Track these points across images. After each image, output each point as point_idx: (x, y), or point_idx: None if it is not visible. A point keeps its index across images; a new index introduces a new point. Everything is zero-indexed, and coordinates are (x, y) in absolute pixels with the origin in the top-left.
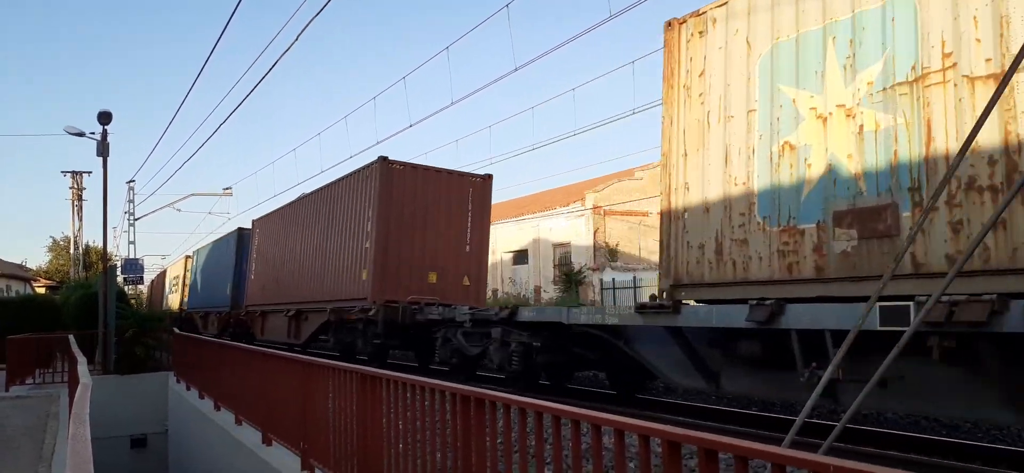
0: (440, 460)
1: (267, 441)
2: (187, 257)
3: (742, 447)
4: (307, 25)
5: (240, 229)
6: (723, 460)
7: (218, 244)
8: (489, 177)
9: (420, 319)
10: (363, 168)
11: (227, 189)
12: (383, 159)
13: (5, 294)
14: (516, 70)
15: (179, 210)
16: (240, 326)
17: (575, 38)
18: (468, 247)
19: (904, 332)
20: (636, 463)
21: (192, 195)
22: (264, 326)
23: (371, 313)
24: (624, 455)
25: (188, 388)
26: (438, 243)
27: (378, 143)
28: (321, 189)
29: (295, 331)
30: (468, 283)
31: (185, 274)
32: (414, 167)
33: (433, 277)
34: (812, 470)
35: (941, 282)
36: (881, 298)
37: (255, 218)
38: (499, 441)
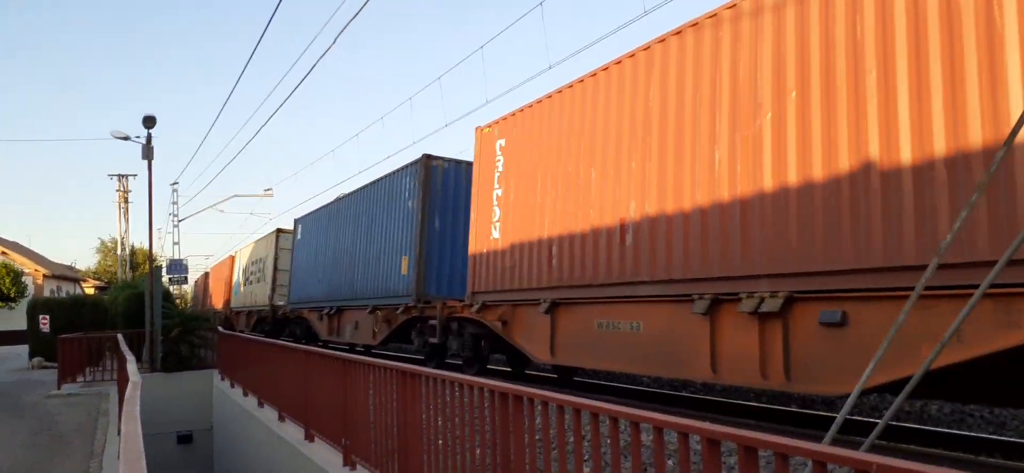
0: (479, 456)
1: (309, 437)
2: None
3: (783, 444)
4: (345, 27)
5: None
6: (763, 457)
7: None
8: None
9: None
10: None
11: (268, 190)
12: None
13: (57, 295)
14: (549, 69)
15: (222, 211)
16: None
17: (608, 36)
18: None
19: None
20: (675, 460)
21: (234, 196)
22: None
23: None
24: (663, 452)
25: (232, 386)
26: None
27: (414, 143)
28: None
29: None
30: None
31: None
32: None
33: None
34: (854, 468)
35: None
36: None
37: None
38: (537, 437)
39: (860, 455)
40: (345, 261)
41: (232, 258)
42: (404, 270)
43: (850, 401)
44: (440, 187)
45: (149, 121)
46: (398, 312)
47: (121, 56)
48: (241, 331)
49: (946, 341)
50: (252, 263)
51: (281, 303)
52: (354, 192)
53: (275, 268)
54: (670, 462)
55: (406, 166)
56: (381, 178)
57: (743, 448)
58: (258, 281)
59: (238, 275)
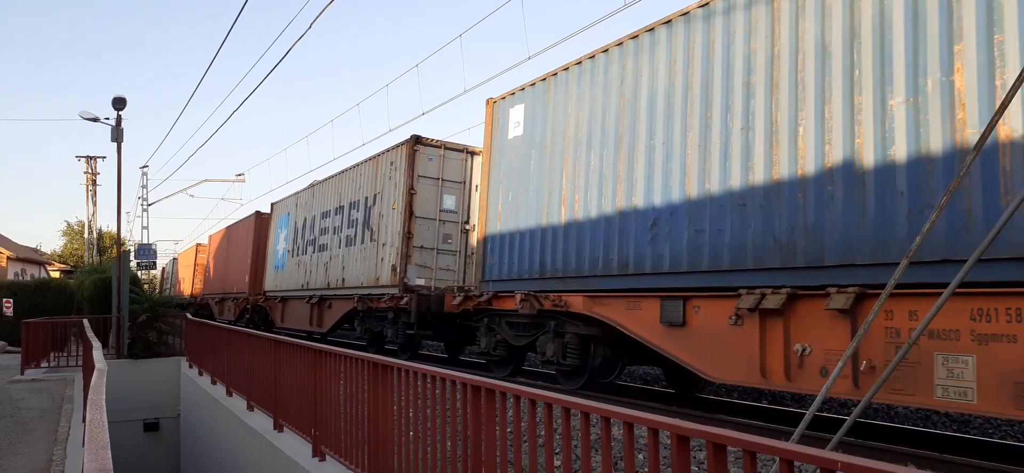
0: (450, 449)
1: (278, 428)
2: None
3: (750, 442)
4: (322, 12)
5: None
6: (732, 454)
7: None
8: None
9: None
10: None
11: (240, 175)
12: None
13: (21, 278)
14: (529, 59)
15: (192, 196)
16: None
17: (588, 27)
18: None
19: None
20: (644, 454)
21: (205, 181)
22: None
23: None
24: (633, 446)
25: (200, 373)
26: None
27: (390, 131)
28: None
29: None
30: None
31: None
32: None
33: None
34: (821, 466)
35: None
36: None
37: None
38: (509, 431)
39: (826, 454)
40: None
41: (200, 245)
42: None
43: (818, 399)
44: None
45: (119, 102)
46: None
47: (91, 35)
48: (325, 337)
49: (914, 341)
50: (332, 209)
51: (444, 281)
52: None
53: (410, 215)
54: (640, 456)
55: None
56: None
57: (712, 445)
58: (359, 240)
59: (282, 238)
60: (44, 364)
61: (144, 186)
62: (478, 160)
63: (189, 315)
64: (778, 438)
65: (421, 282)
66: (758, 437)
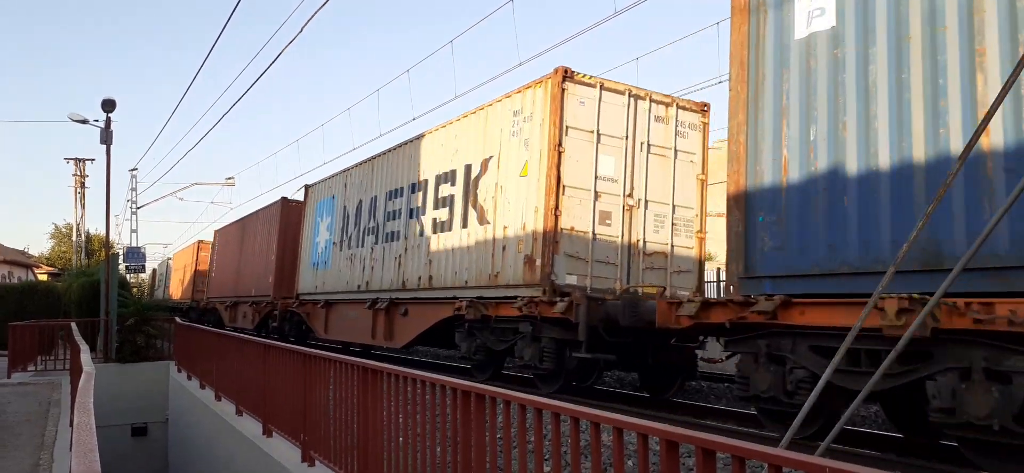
0: (440, 454)
1: (267, 432)
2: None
3: (739, 448)
4: (312, 17)
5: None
6: (721, 459)
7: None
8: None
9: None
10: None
11: (230, 178)
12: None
13: (7, 281)
14: (520, 65)
15: (181, 199)
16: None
17: (579, 34)
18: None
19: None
20: (635, 460)
21: (195, 184)
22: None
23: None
24: (623, 453)
25: (189, 378)
26: None
27: (381, 136)
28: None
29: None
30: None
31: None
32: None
33: None
34: (808, 472)
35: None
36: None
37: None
38: (499, 436)
39: (814, 459)
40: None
41: (201, 243)
42: None
43: (807, 405)
44: None
45: (108, 104)
46: None
47: (81, 37)
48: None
49: (899, 348)
50: (406, 186)
51: (602, 280)
52: None
53: (556, 183)
54: (630, 463)
55: None
56: None
57: (701, 450)
58: (458, 223)
59: (323, 228)
60: (30, 368)
61: (133, 189)
62: (644, 107)
63: (177, 319)
64: (768, 444)
65: (573, 280)
66: (747, 443)
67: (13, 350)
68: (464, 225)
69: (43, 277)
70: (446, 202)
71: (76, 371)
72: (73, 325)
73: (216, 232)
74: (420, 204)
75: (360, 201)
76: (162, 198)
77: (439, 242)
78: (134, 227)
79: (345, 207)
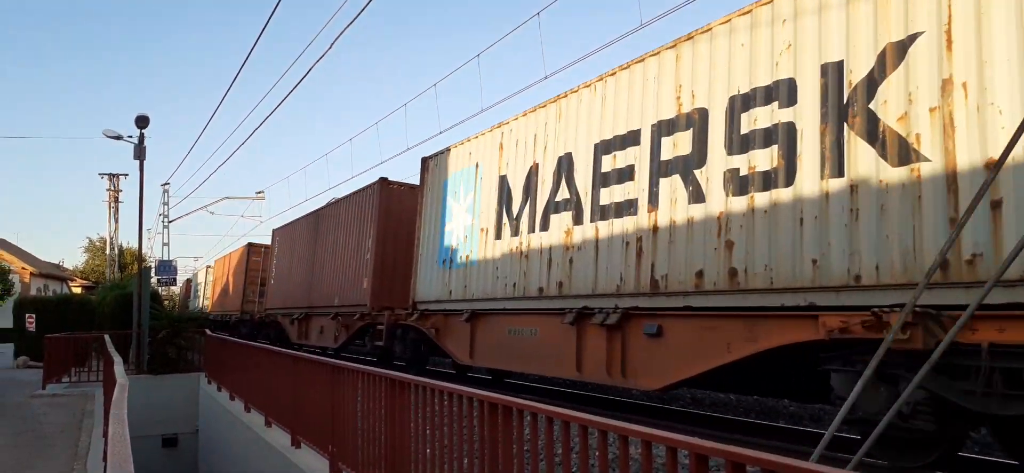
0: (467, 466)
1: (296, 444)
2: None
3: (772, 461)
4: (342, 32)
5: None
6: None
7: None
8: None
9: None
10: None
11: (260, 192)
12: None
13: (44, 293)
14: (545, 78)
15: (213, 213)
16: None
17: (605, 47)
18: None
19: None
20: None
21: (225, 198)
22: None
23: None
24: (651, 465)
25: (219, 389)
26: None
27: (408, 149)
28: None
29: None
30: None
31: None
32: None
33: None
34: None
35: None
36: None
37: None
38: (526, 448)
39: None
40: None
41: (252, 246)
42: None
43: (838, 419)
44: None
45: (142, 121)
46: None
47: (115, 55)
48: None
49: (933, 360)
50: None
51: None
52: None
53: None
54: None
55: None
56: None
57: (731, 464)
58: (808, 169)
59: (461, 212)
60: (65, 379)
61: (165, 203)
62: None
63: (207, 331)
64: (797, 458)
65: None
66: (778, 456)
67: (49, 362)
68: (838, 170)
69: (77, 290)
70: (770, 137)
71: (109, 383)
72: (106, 337)
73: (275, 232)
74: (693, 148)
75: (534, 165)
76: (193, 212)
77: (757, 206)
78: (166, 241)
79: (503, 177)
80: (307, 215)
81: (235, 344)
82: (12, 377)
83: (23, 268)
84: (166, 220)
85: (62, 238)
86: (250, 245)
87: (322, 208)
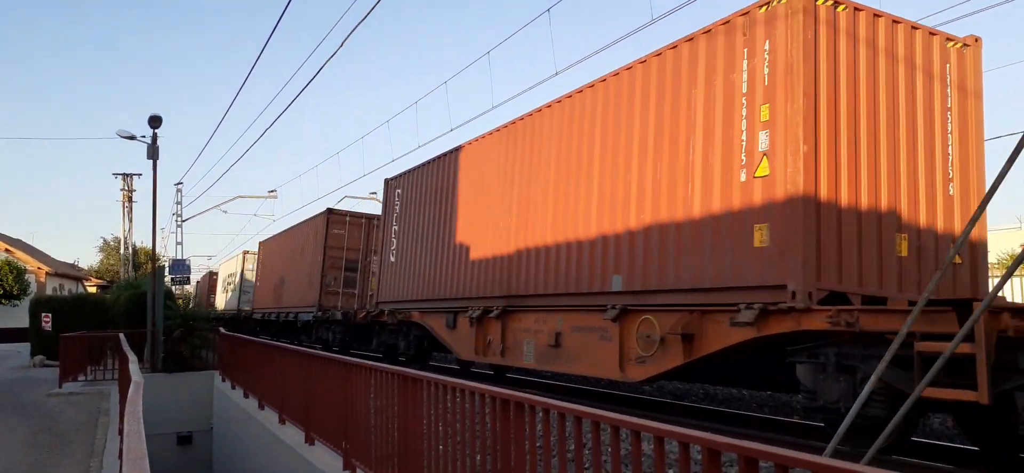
0: (479, 462)
1: (309, 440)
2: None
3: (784, 456)
4: (352, 31)
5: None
6: (764, 469)
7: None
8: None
9: None
10: None
11: (272, 191)
12: None
13: (59, 293)
14: (556, 74)
15: (225, 212)
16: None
17: (616, 42)
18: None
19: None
20: (675, 470)
21: (238, 197)
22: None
23: None
24: (664, 461)
25: (233, 387)
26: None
27: (419, 147)
28: None
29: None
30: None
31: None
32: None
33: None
34: None
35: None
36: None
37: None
38: (538, 444)
39: (861, 468)
40: None
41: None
42: None
43: (851, 414)
44: None
45: (155, 121)
46: None
47: (129, 56)
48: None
49: (948, 354)
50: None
51: None
52: None
53: None
54: (671, 472)
55: None
56: None
57: (743, 459)
58: None
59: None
60: (81, 377)
61: (178, 202)
62: None
63: (222, 330)
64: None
65: None
66: (791, 451)
67: (64, 360)
68: None
69: (92, 289)
70: None
71: (124, 381)
72: (121, 336)
73: (389, 181)
74: None
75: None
76: (206, 211)
77: None
78: (179, 240)
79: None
80: (493, 132)
81: (248, 342)
82: (29, 376)
83: (39, 268)
84: (179, 219)
85: (77, 238)
86: (330, 210)
87: (469, 142)
